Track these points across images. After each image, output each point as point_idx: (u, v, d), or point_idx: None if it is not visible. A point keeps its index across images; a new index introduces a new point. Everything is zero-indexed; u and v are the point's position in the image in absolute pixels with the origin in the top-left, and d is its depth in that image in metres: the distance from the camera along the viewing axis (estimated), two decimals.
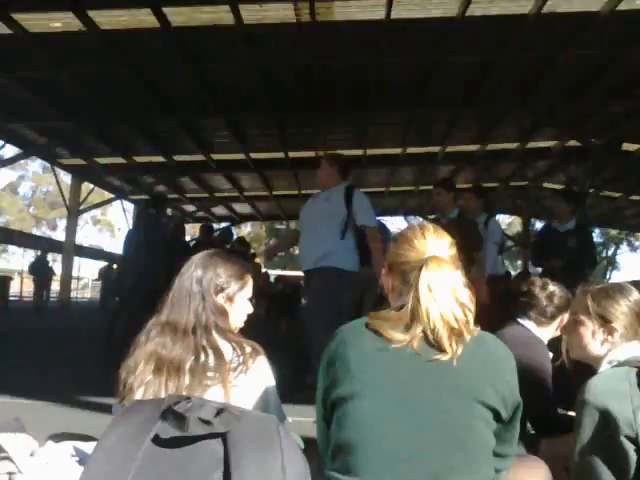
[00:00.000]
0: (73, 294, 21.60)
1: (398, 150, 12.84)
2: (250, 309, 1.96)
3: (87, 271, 31.06)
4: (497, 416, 1.40)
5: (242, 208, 19.70)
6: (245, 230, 40.40)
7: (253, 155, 12.97)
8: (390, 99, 9.53)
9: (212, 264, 1.88)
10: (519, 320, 2.57)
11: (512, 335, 2.43)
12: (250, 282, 1.96)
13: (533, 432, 2.35)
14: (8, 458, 1.74)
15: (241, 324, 1.96)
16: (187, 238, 9.64)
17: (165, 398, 1.37)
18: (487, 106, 9.88)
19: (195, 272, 1.86)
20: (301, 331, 5.58)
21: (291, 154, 12.83)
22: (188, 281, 1.85)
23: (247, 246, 10.48)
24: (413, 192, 16.74)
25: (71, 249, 15.82)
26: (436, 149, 12.64)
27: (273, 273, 19.70)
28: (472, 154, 12.96)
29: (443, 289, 1.42)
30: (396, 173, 14.70)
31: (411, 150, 12.85)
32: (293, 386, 3.90)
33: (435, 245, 1.51)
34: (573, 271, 5.06)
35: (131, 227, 8.42)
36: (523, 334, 2.49)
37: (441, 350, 1.39)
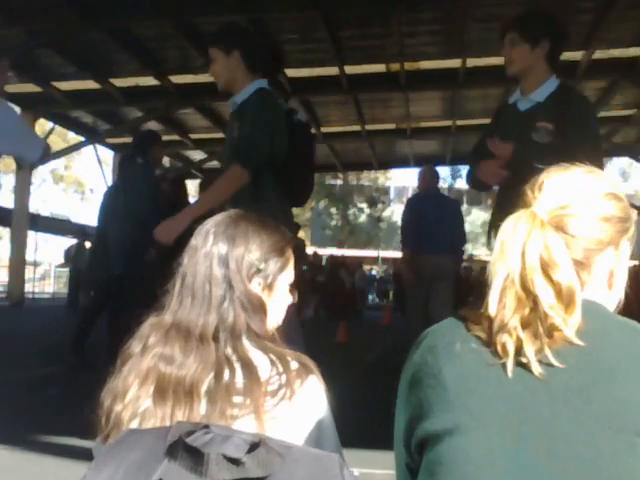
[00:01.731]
0: (28, 288, 19.81)
1: None
2: (290, 299, 1.69)
3: (48, 253, 27.35)
4: None
5: None
6: None
7: (291, 71, 11.29)
8: None
9: (241, 232, 1.58)
10: None
11: None
12: (292, 259, 1.67)
13: None
14: None
15: (278, 324, 1.66)
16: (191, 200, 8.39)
17: (173, 426, 1.15)
18: None
19: (215, 246, 1.55)
20: (366, 339, 5.84)
21: (348, 69, 11.25)
22: (205, 261, 1.55)
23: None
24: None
25: (23, 220, 14.27)
26: (578, 55, 10.81)
27: (324, 253, 16.82)
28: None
29: None
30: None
31: None
32: (359, 421, 3.71)
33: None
34: None
35: (110, 185, 8.06)
36: None
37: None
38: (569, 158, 1.38)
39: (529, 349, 1.15)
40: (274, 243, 1.64)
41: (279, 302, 1.67)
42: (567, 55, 10.69)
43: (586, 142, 3.02)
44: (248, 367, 1.47)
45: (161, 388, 1.46)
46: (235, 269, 1.56)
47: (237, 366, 1.47)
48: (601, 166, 3.08)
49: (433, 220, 6.50)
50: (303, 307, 12.19)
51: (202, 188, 7.78)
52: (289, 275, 1.69)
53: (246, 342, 1.52)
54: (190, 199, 7.53)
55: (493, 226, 3.00)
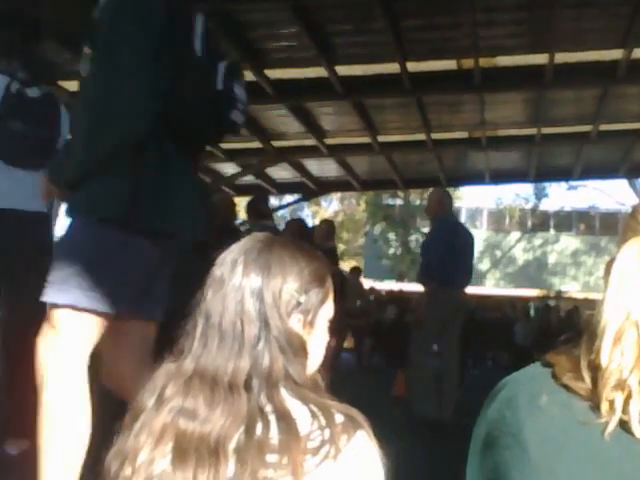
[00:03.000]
0: None
1: (617, 53, 10.65)
2: (327, 337, 1.73)
3: None
4: None
5: (322, 168, 17.34)
6: (328, 209, 37.05)
7: (342, 68, 11.18)
8: None
9: (276, 260, 1.60)
10: None
11: None
12: (332, 290, 1.72)
13: None
14: None
15: (316, 367, 1.69)
16: None
17: None
18: None
19: (247, 278, 1.58)
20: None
21: (411, 66, 10.82)
22: (236, 295, 1.56)
23: (330, 234, 9.77)
24: None
25: None
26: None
27: (381, 287, 17.20)
28: None
29: None
30: (611, 94, 12.34)
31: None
32: None
33: None
34: None
35: None
36: None
37: None
38: None
39: (635, 406, 1.14)
40: (314, 271, 1.66)
41: (319, 342, 1.70)
42: (603, 54, 10.93)
43: None
44: (285, 420, 1.47)
45: (181, 448, 1.46)
46: (272, 303, 1.57)
47: (272, 419, 1.48)
48: None
49: (460, 250, 7.15)
50: (340, 349, 12.16)
51: (251, 210, 7.80)
52: (329, 309, 1.72)
53: (283, 391, 1.53)
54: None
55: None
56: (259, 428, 1.48)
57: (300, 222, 9.29)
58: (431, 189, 13.01)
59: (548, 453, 1.18)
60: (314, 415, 1.50)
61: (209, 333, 1.57)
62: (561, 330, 14.18)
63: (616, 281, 1.20)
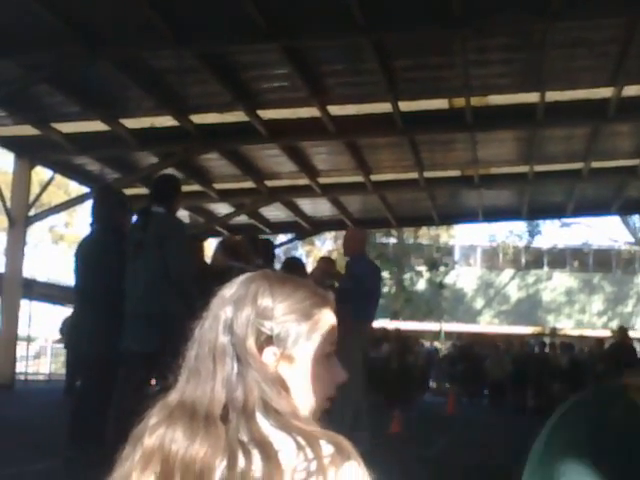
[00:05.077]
0: (20, 367, 19.58)
1: (607, 91, 11.08)
2: (341, 376, 1.68)
3: (44, 327, 27.08)
4: None
5: (316, 207, 18.25)
6: (321, 248, 37.15)
7: (334, 108, 11.50)
8: None
9: (251, 292, 1.60)
10: None
11: None
12: (330, 323, 1.67)
13: None
14: None
15: (316, 406, 1.64)
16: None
17: None
18: None
19: (223, 310, 1.60)
20: (427, 430, 6.58)
21: (403, 105, 11.34)
22: (212, 328, 1.59)
23: (327, 272, 9.39)
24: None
25: (15, 287, 14.33)
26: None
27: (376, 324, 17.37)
28: None
29: None
30: (603, 132, 12.65)
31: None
32: None
33: None
34: None
35: (91, 230, 7.32)
36: None
37: None
38: None
39: None
40: (295, 303, 1.64)
41: (308, 378, 1.65)
42: (594, 92, 11.15)
43: None
44: (266, 451, 1.47)
45: (167, 471, 1.49)
46: (242, 335, 1.58)
47: (254, 451, 1.47)
48: None
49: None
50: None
51: (225, 250, 7.90)
52: (321, 344, 1.67)
53: (263, 421, 1.52)
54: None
55: None
56: (241, 460, 1.48)
57: (295, 260, 9.34)
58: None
59: (610, 467, 1.21)
60: (299, 446, 1.49)
61: (191, 365, 1.60)
62: (560, 367, 14.17)
63: None
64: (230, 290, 1.66)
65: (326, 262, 9.96)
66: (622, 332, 17.71)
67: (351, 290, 7.22)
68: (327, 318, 1.70)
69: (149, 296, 6.19)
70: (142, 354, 6.02)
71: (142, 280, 6.19)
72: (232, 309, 1.61)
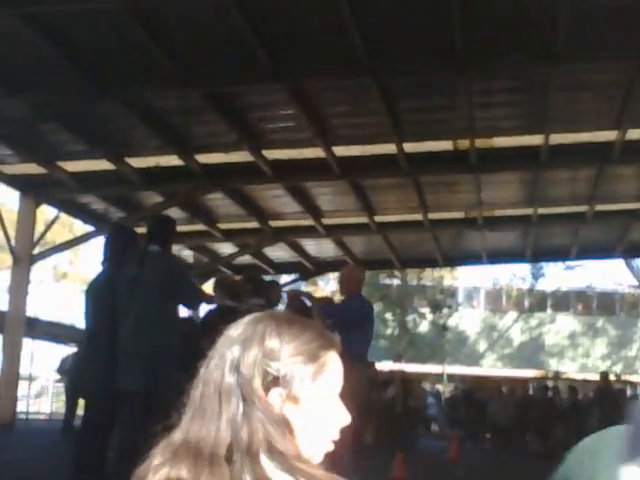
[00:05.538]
0: (21, 407, 19.57)
1: (611, 134, 11.08)
2: (345, 418, 1.66)
3: (46, 365, 26.61)
4: None
5: (320, 247, 18.31)
6: (324, 288, 37.02)
7: (339, 149, 11.56)
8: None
9: (259, 332, 1.61)
10: None
11: None
12: (336, 366, 1.67)
13: None
14: None
15: (322, 449, 1.64)
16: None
17: None
18: None
19: (229, 350, 1.61)
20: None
21: (408, 146, 11.35)
22: (219, 368, 1.60)
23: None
24: None
25: (18, 325, 14.23)
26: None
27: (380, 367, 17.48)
28: None
29: None
30: (606, 174, 12.58)
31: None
32: None
33: None
34: None
35: (102, 269, 7.32)
36: None
37: None
38: None
39: None
40: (301, 345, 1.64)
41: (313, 419, 1.64)
42: (597, 135, 11.15)
43: None
44: None
45: None
46: (248, 376, 1.58)
47: None
48: None
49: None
50: (363, 431, 12.11)
51: (220, 288, 7.90)
52: (327, 386, 1.67)
53: (267, 463, 1.53)
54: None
55: None
56: None
57: (300, 301, 9.32)
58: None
59: None
60: None
61: (195, 404, 1.61)
62: (564, 411, 14.07)
63: None
64: (237, 330, 1.66)
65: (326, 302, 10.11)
66: (603, 377, 18.55)
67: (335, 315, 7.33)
68: (333, 360, 1.69)
69: (138, 333, 6.14)
70: (129, 393, 5.95)
71: (133, 316, 6.16)
72: (239, 349, 1.61)
